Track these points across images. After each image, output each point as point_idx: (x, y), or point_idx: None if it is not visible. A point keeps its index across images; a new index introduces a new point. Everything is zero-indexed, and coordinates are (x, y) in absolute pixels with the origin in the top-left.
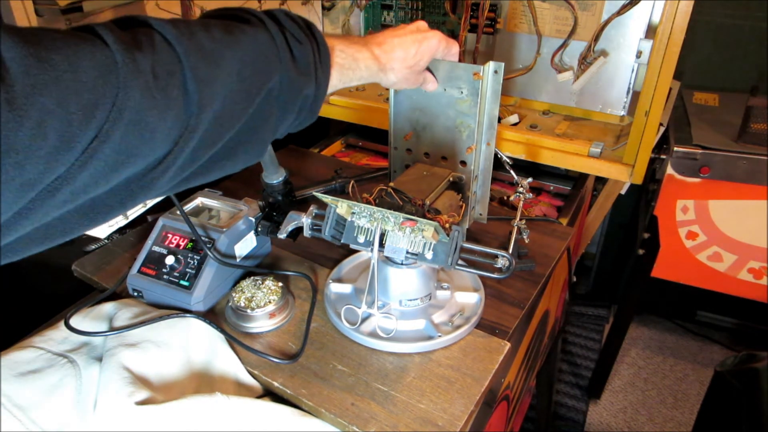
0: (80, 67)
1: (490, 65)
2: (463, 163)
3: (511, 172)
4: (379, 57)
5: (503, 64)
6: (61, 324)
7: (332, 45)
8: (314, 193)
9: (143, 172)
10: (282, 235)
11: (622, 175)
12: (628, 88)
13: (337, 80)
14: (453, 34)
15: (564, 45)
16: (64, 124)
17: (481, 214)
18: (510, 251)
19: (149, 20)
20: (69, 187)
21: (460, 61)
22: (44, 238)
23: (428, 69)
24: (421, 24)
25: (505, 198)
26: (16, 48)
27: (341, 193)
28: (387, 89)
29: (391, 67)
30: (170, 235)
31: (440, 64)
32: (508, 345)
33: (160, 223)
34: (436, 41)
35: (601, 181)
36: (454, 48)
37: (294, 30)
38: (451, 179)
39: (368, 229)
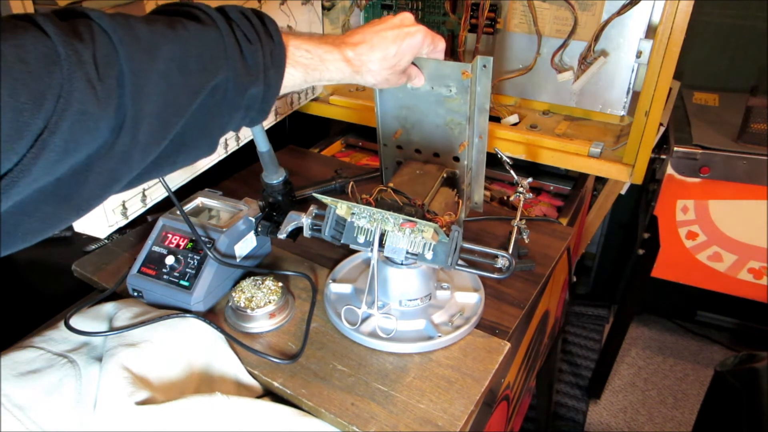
0: (27, 59)
1: (478, 61)
2: (456, 159)
3: (511, 172)
4: (352, 60)
5: (491, 58)
6: (61, 324)
7: (296, 44)
8: (313, 194)
9: (88, 162)
10: (282, 235)
11: (622, 175)
12: (628, 88)
13: (300, 80)
14: (453, 34)
15: (564, 45)
16: (15, 113)
17: (476, 203)
18: (510, 251)
19: (87, 11)
20: (26, 178)
21: (459, 61)
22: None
23: (414, 63)
24: (406, 17)
25: (505, 198)
26: None
27: (341, 193)
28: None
29: (367, 69)
30: (170, 235)
31: (426, 63)
32: (508, 345)
33: (160, 223)
34: (420, 38)
35: (601, 181)
36: (440, 44)
37: (246, 28)
38: (445, 175)
39: (368, 229)
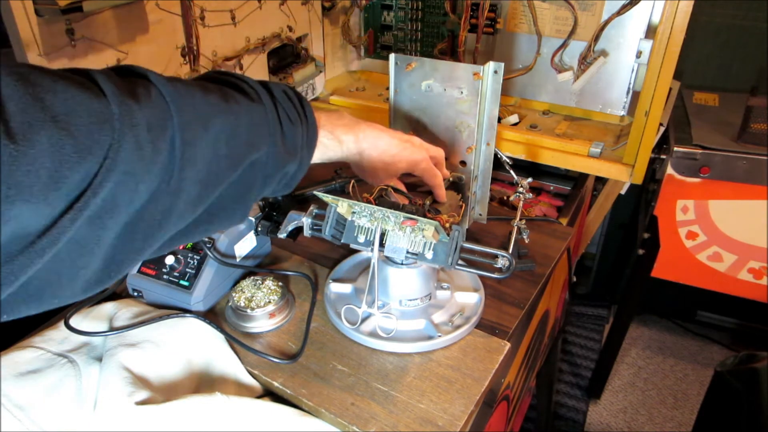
0: (76, 112)
1: (490, 65)
2: (463, 163)
3: (511, 172)
4: (361, 141)
5: (503, 64)
6: (61, 324)
7: (320, 125)
8: (315, 192)
9: (126, 223)
10: (282, 235)
11: (622, 175)
12: (628, 88)
13: (317, 157)
14: (453, 34)
15: (564, 45)
16: (56, 163)
17: (480, 215)
18: (510, 251)
19: (148, 73)
20: (65, 236)
21: (459, 61)
22: (33, 297)
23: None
24: (416, 138)
25: (505, 198)
26: (15, 86)
27: (341, 193)
28: (387, 89)
29: (368, 155)
30: None
31: (440, 65)
32: (508, 345)
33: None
34: (420, 158)
35: (601, 181)
36: (437, 179)
37: (288, 108)
38: (451, 179)
39: (368, 228)
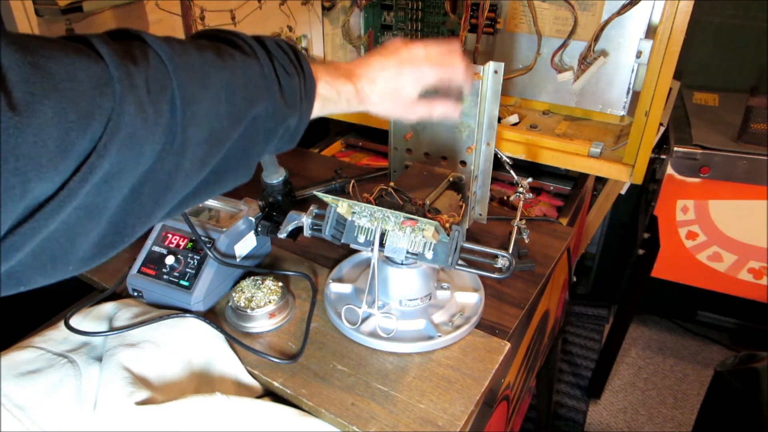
0: (77, 78)
1: (490, 65)
2: (463, 163)
3: (511, 172)
4: (360, 91)
5: (503, 64)
6: (61, 324)
7: (318, 76)
8: (315, 193)
9: (133, 187)
10: (282, 235)
11: (622, 175)
12: (628, 88)
13: (318, 110)
14: (453, 34)
15: (564, 45)
16: (61, 132)
17: (480, 215)
18: (510, 251)
19: (143, 34)
20: (73, 202)
21: None
22: (47, 264)
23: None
24: (416, 47)
25: (505, 198)
26: (15, 56)
27: (341, 193)
28: None
29: (370, 101)
30: (170, 235)
31: None
32: (508, 345)
33: (160, 223)
34: (426, 70)
35: (601, 181)
36: (455, 71)
37: (283, 60)
38: (451, 179)
39: (368, 228)
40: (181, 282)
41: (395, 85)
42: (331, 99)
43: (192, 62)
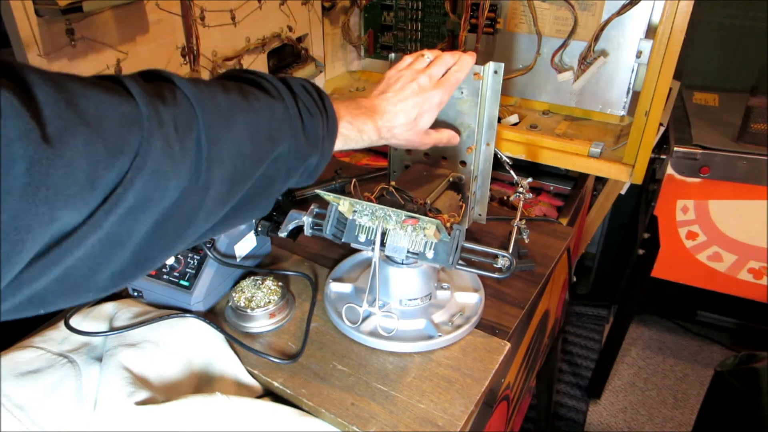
0: (108, 115)
1: (490, 65)
2: (463, 163)
3: (511, 172)
4: (381, 129)
5: (503, 64)
6: (61, 324)
7: (340, 116)
8: (317, 191)
9: (156, 221)
10: (282, 234)
11: (622, 175)
12: (628, 88)
13: (338, 147)
14: (453, 34)
15: (564, 45)
16: (91, 165)
17: (480, 215)
18: (510, 251)
19: (172, 76)
20: (96, 234)
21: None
22: (69, 290)
23: (447, 125)
24: (423, 80)
25: (505, 198)
26: (50, 92)
27: (341, 192)
28: None
29: (392, 135)
30: None
31: None
32: (508, 345)
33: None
34: (438, 97)
35: (601, 181)
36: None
37: (308, 102)
38: (451, 179)
39: (369, 227)
40: (181, 282)
41: (413, 117)
42: (352, 138)
43: (218, 103)
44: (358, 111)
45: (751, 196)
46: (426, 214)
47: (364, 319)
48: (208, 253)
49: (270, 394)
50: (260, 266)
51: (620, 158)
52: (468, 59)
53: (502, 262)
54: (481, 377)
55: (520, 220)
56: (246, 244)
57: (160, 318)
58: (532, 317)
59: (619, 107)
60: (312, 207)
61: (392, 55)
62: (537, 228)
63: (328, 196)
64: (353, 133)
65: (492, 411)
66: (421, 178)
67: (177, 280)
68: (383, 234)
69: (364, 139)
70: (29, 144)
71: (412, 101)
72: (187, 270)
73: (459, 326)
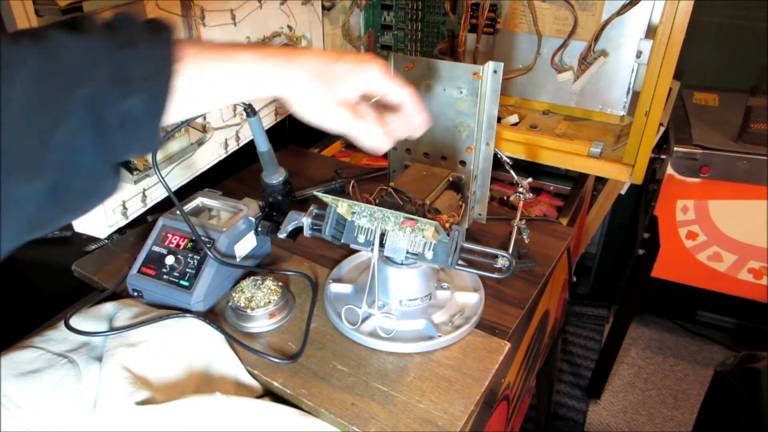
0: None
1: (489, 65)
2: (463, 163)
3: (511, 172)
4: (269, 56)
5: (502, 64)
6: (61, 324)
7: (184, 55)
8: (315, 193)
9: None
10: (282, 235)
11: (622, 175)
12: (628, 88)
13: (200, 90)
14: (453, 34)
15: (564, 45)
16: None
17: (480, 214)
18: (510, 251)
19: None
20: None
21: (459, 61)
22: None
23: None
24: (338, 65)
25: (505, 198)
26: None
27: (341, 193)
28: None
29: (288, 80)
30: (170, 235)
31: (440, 64)
32: (508, 345)
33: (160, 223)
34: (376, 69)
35: (601, 181)
36: (400, 90)
37: (124, 34)
38: (450, 179)
39: (368, 228)
40: (181, 282)
41: (328, 61)
42: (214, 75)
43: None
44: (235, 46)
45: (751, 196)
46: (425, 215)
47: (364, 319)
48: (208, 253)
49: (270, 394)
50: (260, 266)
51: (620, 158)
52: (421, 125)
53: (502, 262)
54: (481, 377)
55: (520, 220)
56: (246, 244)
57: (160, 318)
58: (532, 317)
59: (619, 107)
60: (311, 208)
61: (392, 55)
62: (537, 228)
63: (327, 198)
64: (214, 67)
65: (492, 411)
66: (421, 178)
67: (177, 280)
68: (382, 235)
69: (240, 78)
70: None
71: (331, 55)
72: (187, 270)
73: (459, 326)
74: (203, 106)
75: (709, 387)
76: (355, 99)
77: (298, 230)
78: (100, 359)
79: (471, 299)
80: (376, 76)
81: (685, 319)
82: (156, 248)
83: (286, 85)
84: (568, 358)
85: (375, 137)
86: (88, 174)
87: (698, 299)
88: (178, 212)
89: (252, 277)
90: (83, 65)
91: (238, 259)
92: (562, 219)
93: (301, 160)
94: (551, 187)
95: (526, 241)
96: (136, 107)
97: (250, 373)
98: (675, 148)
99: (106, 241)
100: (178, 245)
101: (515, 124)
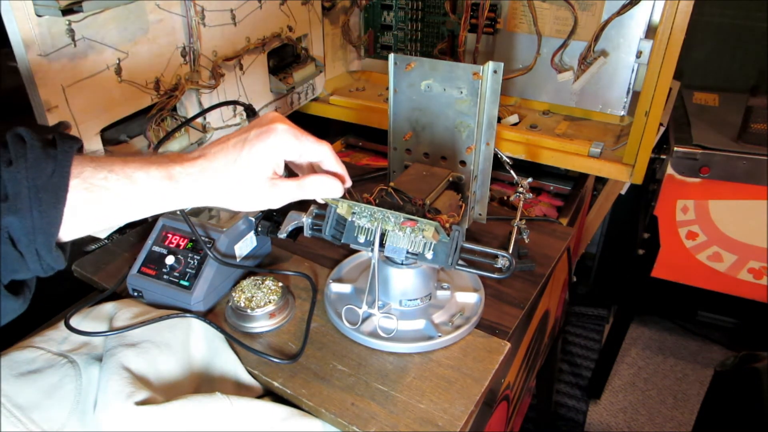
0: None
1: (489, 65)
2: (463, 163)
3: (511, 172)
4: (174, 171)
5: (502, 64)
6: (61, 324)
7: (95, 166)
8: None
9: None
10: (282, 235)
11: (622, 175)
12: (628, 88)
13: (88, 205)
14: (453, 34)
15: (564, 45)
16: None
17: (480, 215)
18: (510, 251)
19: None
20: None
21: (459, 61)
22: None
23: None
24: (265, 118)
25: (505, 198)
26: None
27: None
28: (386, 89)
29: (206, 180)
30: (170, 235)
31: (440, 65)
32: (508, 345)
33: (159, 223)
34: (283, 135)
35: (601, 181)
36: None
37: (15, 150)
38: (450, 179)
39: (368, 228)
40: (181, 282)
41: (238, 148)
42: (113, 186)
43: None
44: (145, 160)
45: (751, 196)
46: (425, 215)
47: (364, 319)
48: (208, 253)
49: (270, 394)
50: (260, 266)
51: (620, 158)
52: (338, 191)
53: (502, 262)
54: (481, 377)
55: (520, 220)
56: (246, 244)
57: (160, 318)
58: (532, 317)
59: (619, 107)
60: (311, 208)
61: (392, 55)
62: (537, 228)
63: (327, 199)
64: (118, 185)
65: (492, 411)
66: (421, 178)
67: (177, 280)
68: (382, 235)
69: (146, 192)
70: None
71: (234, 140)
72: (187, 270)
73: (459, 326)
74: (86, 222)
75: (709, 387)
76: (281, 167)
77: (298, 230)
78: (100, 359)
79: (471, 299)
80: (285, 139)
81: (685, 319)
82: (156, 248)
83: (210, 201)
84: (568, 358)
85: (327, 186)
86: None
87: (698, 299)
88: (177, 212)
89: (252, 277)
90: None
91: (238, 259)
92: (562, 219)
93: None
94: (551, 187)
95: (526, 241)
96: (12, 222)
97: (250, 373)
98: (675, 148)
99: (106, 241)
100: (178, 245)
101: (515, 124)
